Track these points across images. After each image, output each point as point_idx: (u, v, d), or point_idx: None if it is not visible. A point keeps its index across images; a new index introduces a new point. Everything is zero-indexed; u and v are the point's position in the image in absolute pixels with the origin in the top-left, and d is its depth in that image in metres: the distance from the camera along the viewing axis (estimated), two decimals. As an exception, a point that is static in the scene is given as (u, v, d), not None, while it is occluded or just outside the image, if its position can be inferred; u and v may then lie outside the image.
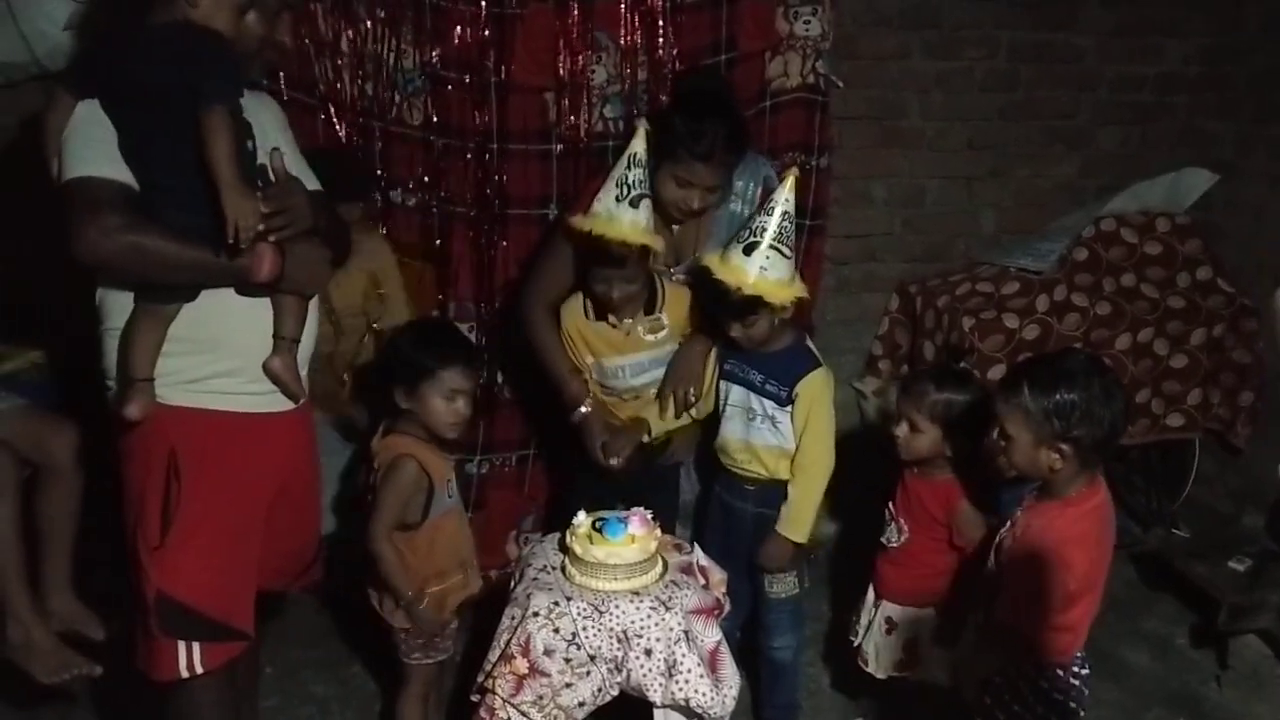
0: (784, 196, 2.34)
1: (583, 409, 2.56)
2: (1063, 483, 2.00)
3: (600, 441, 2.54)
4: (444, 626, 2.39)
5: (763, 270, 2.31)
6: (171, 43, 1.82)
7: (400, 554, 2.30)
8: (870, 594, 2.57)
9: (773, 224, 2.32)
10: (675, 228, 2.65)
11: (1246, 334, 3.42)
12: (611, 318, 2.56)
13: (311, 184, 2.15)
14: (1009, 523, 2.11)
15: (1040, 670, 2.05)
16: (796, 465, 2.47)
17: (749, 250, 2.33)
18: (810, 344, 2.53)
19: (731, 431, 2.55)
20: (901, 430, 2.40)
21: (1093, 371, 1.96)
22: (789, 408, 2.44)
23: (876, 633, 2.53)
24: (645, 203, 2.42)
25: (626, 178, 2.40)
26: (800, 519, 2.46)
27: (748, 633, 2.68)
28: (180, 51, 1.81)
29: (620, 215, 2.39)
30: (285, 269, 1.91)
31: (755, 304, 2.34)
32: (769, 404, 2.46)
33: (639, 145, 2.41)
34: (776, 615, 2.59)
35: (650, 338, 2.59)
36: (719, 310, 2.43)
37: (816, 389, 2.43)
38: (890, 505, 2.52)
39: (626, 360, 2.60)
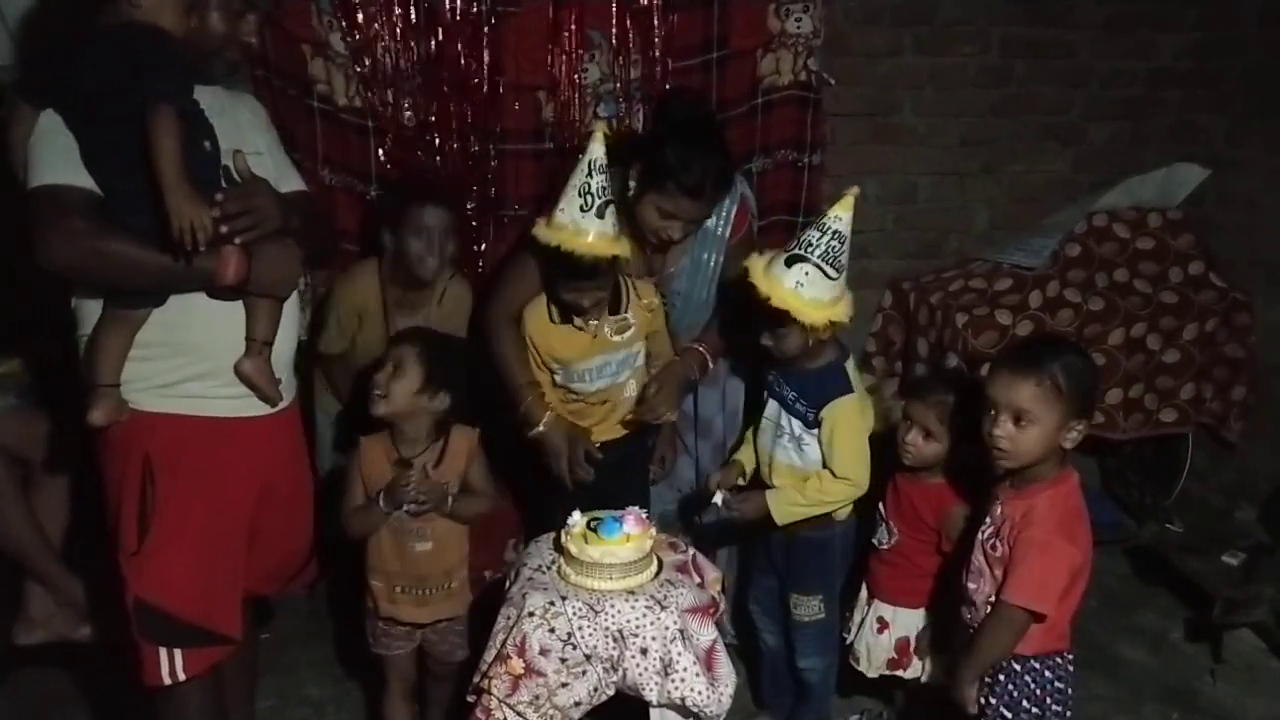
0: (835, 214, 2.23)
1: (540, 426, 2.50)
2: (1049, 468, 2.04)
3: (562, 458, 2.48)
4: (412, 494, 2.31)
5: (798, 285, 2.21)
6: (113, 45, 1.78)
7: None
8: (863, 592, 2.57)
9: (822, 242, 2.22)
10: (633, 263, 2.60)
11: (1239, 329, 3.43)
12: (578, 320, 2.51)
13: (292, 184, 2.13)
14: (987, 519, 2.11)
15: (1044, 660, 2.06)
16: (827, 479, 2.37)
17: (791, 262, 2.23)
18: (849, 367, 2.41)
19: (762, 445, 2.50)
20: (913, 436, 2.38)
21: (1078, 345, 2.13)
22: (815, 430, 2.38)
23: (868, 632, 2.54)
24: (610, 209, 2.36)
25: (589, 185, 2.32)
26: (792, 506, 2.39)
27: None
28: (122, 53, 1.77)
29: (586, 226, 2.33)
30: (252, 271, 1.89)
31: (784, 317, 2.25)
32: (796, 423, 2.40)
33: (598, 150, 2.33)
34: (802, 637, 2.56)
35: (617, 338, 2.55)
36: (754, 315, 2.34)
37: (841, 415, 2.34)
38: (881, 506, 2.51)
39: (593, 362, 2.55)
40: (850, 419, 2.35)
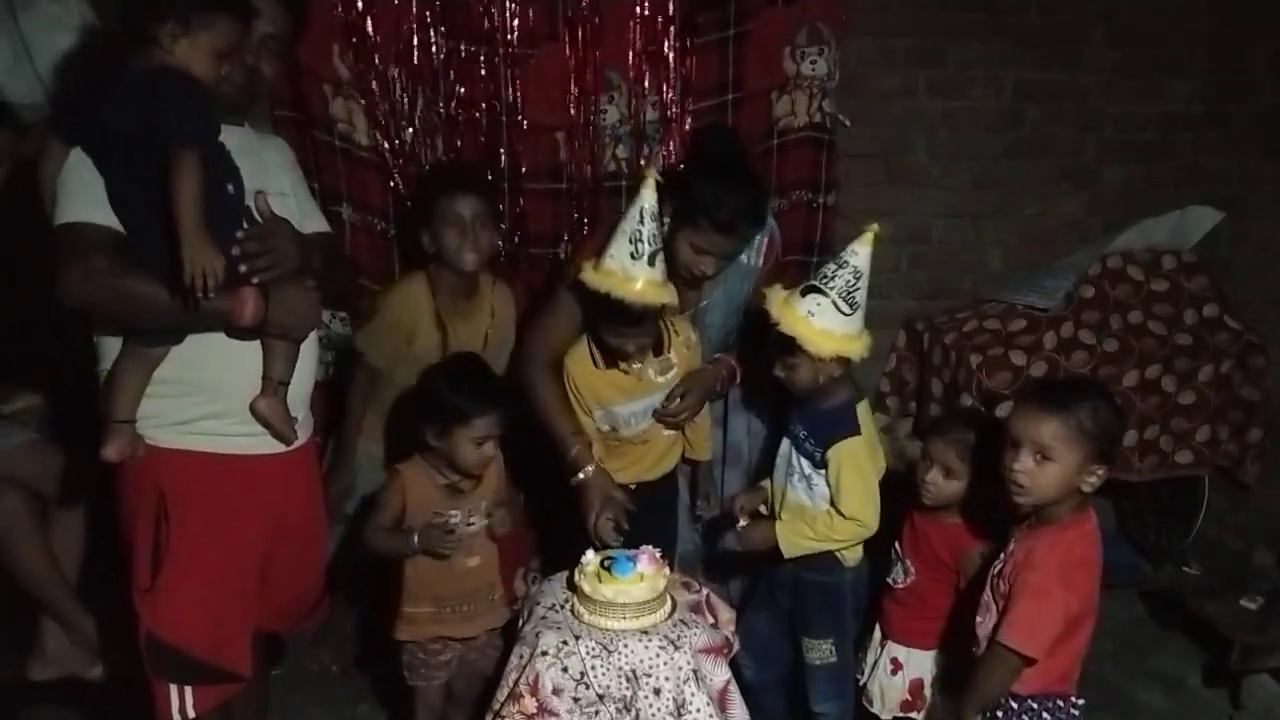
0: (853, 249, 2.24)
1: (583, 474, 2.48)
2: (1064, 511, 2.03)
3: (595, 514, 2.45)
4: (450, 543, 2.35)
5: (809, 315, 2.22)
6: (142, 88, 1.80)
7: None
8: (876, 633, 2.56)
9: (839, 275, 2.23)
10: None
11: (1254, 371, 3.42)
12: (623, 365, 2.51)
13: (315, 225, 2.15)
14: (1002, 555, 2.11)
15: (1042, 701, 2.05)
16: (837, 519, 2.33)
17: (806, 292, 2.25)
18: (861, 410, 2.39)
19: (776, 481, 2.49)
20: (933, 475, 2.37)
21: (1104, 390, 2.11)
22: (823, 471, 2.35)
23: (882, 673, 2.52)
24: (660, 258, 2.36)
25: (640, 233, 2.31)
26: (800, 538, 2.36)
27: (788, 690, 2.63)
28: (149, 96, 1.79)
29: (636, 274, 2.32)
30: (269, 313, 1.90)
31: (792, 345, 2.25)
32: (805, 463, 2.38)
33: (649, 199, 2.32)
34: (813, 681, 2.52)
35: (661, 379, 2.56)
36: (769, 345, 2.35)
37: (847, 455, 2.31)
38: (897, 545, 2.50)
39: (638, 404, 2.56)
40: (856, 460, 2.33)
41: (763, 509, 2.54)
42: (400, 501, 2.37)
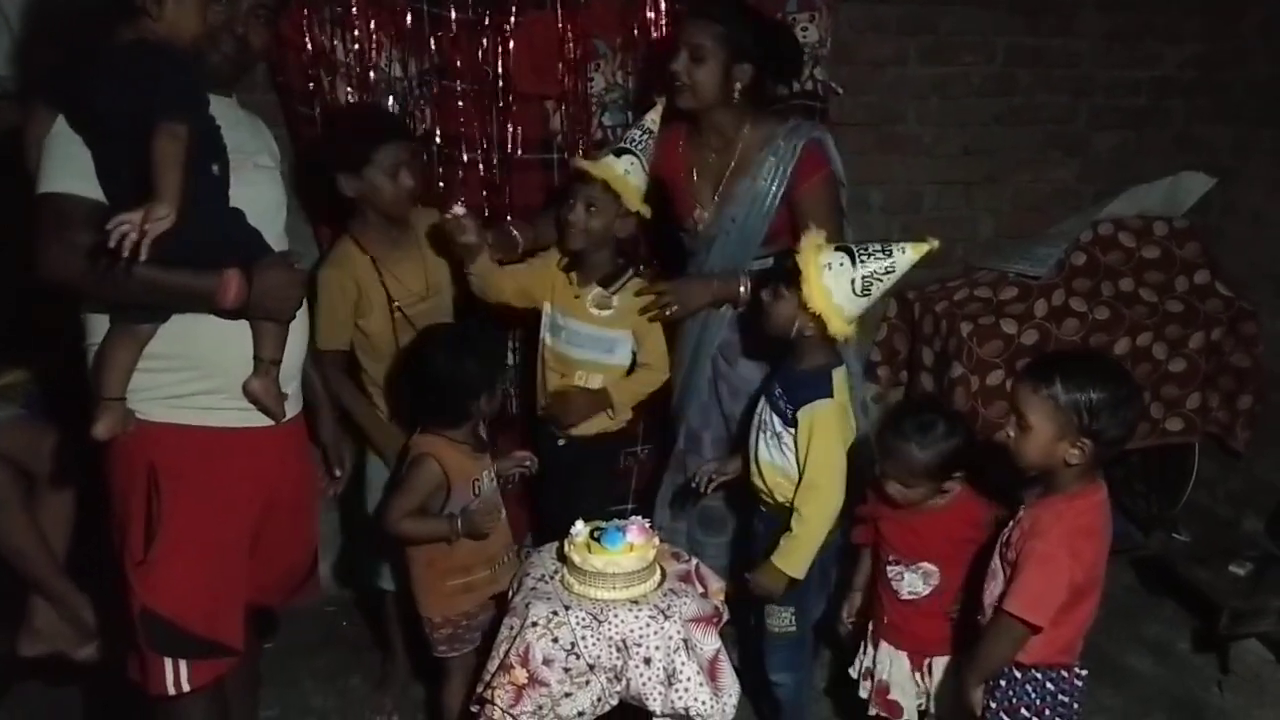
0: (904, 247, 2.28)
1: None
2: (1069, 479, 2.02)
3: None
4: (492, 521, 2.41)
5: (827, 266, 2.25)
6: (126, 65, 1.77)
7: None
8: (884, 647, 2.44)
9: (875, 260, 2.26)
10: (696, 179, 2.69)
11: (1245, 338, 3.42)
12: (574, 277, 2.63)
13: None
14: (1011, 522, 2.11)
15: (1045, 671, 2.05)
16: (799, 496, 2.33)
17: (840, 250, 2.28)
18: (838, 376, 2.36)
19: (751, 442, 2.48)
20: (895, 489, 2.29)
21: (1121, 376, 2.04)
22: (793, 431, 2.34)
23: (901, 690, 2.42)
24: (628, 157, 2.56)
25: (627, 134, 2.62)
26: (796, 552, 2.32)
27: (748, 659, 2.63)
28: (134, 74, 1.75)
29: (602, 157, 2.59)
30: (252, 295, 1.89)
31: (793, 279, 2.26)
32: (776, 420, 2.38)
33: (651, 113, 2.61)
34: (772, 649, 2.51)
35: (595, 311, 2.64)
36: (774, 269, 2.40)
37: (818, 419, 2.30)
38: (891, 556, 2.38)
39: (569, 322, 2.65)
40: (826, 423, 2.31)
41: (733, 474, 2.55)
42: (434, 483, 2.37)
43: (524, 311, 2.73)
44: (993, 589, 2.10)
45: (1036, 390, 1.98)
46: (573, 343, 2.66)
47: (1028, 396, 2.00)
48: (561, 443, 2.72)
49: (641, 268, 2.70)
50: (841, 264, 2.25)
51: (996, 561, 2.12)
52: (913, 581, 2.35)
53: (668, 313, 2.66)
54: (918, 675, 2.40)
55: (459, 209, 2.50)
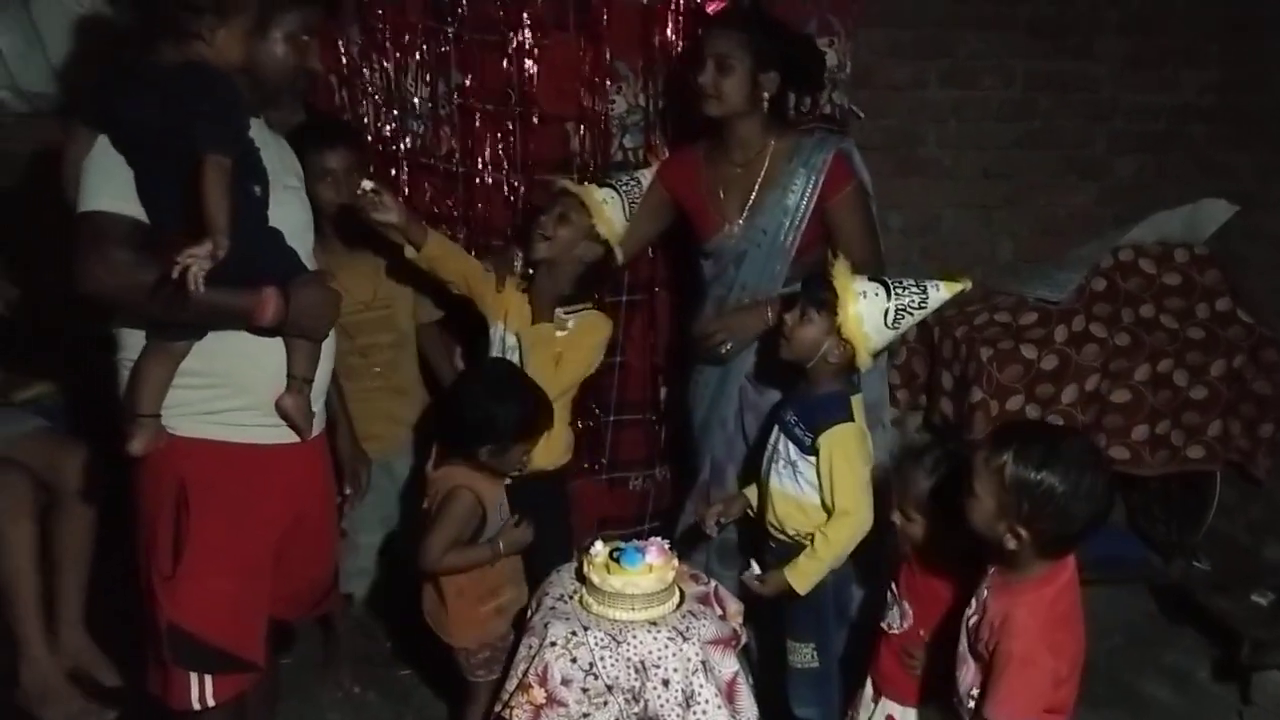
0: (938, 284, 2.31)
1: None
2: (1028, 557, 1.84)
3: None
4: (529, 532, 2.45)
5: (863, 293, 2.26)
6: (174, 87, 1.78)
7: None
8: (868, 689, 2.34)
9: (909, 294, 2.28)
10: (723, 195, 2.65)
11: (1266, 365, 3.40)
12: (530, 296, 2.62)
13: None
14: (973, 601, 1.96)
15: None
16: (831, 524, 2.29)
17: (874, 281, 2.29)
18: (855, 401, 2.34)
19: (763, 473, 2.45)
20: (897, 519, 2.19)
21: (1087, 464, 1.77)
22: (813, 458, 2.31)
23: None
24: (610, 191, 2.63)
25: (615, 175, 2.71)
26: (808, 567, 2.30)
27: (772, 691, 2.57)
28: (180, 97, 1.77)
29: (590, 186, 2.66)
30: (290, 313, 1.91)
31: (825, 303, 2.26)
32: (793, 448, 2.35)
33: (645, 174, 2.73)
34: (794, 684, 2.47)
35: (555, 333, 2.61)
36: (802, 294, 2.36)
37: (839, 443, 2.27)
38: (894, 586, 2.28)
39: (521, 344, 2.60)
40: (846, 447, 2.28)
41: (749, 512, 2.53)
42: (474, 514, 2.38)
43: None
44: (965, 675, 1.95)
45: (988, 459, 1.81)
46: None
47: (979, 462, 1.83)
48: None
49: (600, 300, 2.73)
50: (876, 294, 2.26)
51: (964, 647, 1.96)
52: (893, 616, 2.26)
53: (724, 350, 2.61)
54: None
55: (368, 183, 2.40)
